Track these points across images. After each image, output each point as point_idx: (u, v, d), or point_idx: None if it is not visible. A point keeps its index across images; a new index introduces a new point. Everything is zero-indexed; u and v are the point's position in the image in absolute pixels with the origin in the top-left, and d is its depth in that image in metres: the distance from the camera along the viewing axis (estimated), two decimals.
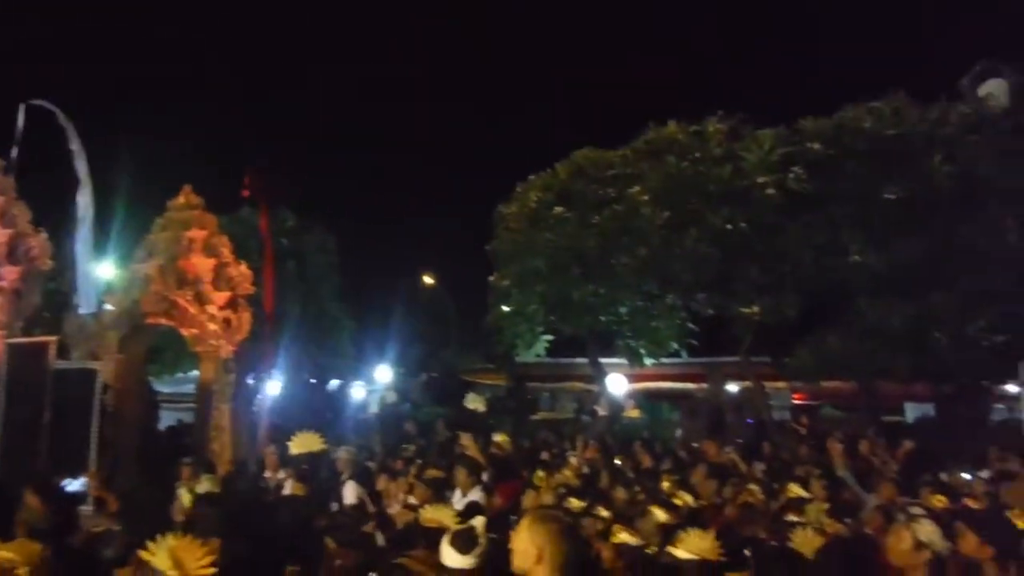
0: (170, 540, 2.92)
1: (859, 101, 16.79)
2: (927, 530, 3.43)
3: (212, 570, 2.91)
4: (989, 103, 17.04)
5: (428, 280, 30.02)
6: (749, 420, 19.80)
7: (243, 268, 13.27)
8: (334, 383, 24.16)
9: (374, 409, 23.16)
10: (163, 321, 12.52)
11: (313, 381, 21.83)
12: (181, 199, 12.84)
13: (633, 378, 22.89)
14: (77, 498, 5.58)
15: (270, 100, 40.30)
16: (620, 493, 7.16)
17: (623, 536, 4.24)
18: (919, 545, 3.40)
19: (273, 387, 17.59)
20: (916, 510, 3.64)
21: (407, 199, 35.62)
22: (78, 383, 10.44)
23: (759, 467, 10.32)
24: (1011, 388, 17.84)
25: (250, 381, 17.27)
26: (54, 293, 14.34)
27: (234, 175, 16.47)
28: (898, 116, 16.22)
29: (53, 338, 10.96)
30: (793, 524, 4.08)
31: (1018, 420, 15.58)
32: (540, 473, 8.44)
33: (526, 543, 2.90)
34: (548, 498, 6.36)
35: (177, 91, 36.85)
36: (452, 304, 29.51)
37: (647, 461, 10.97)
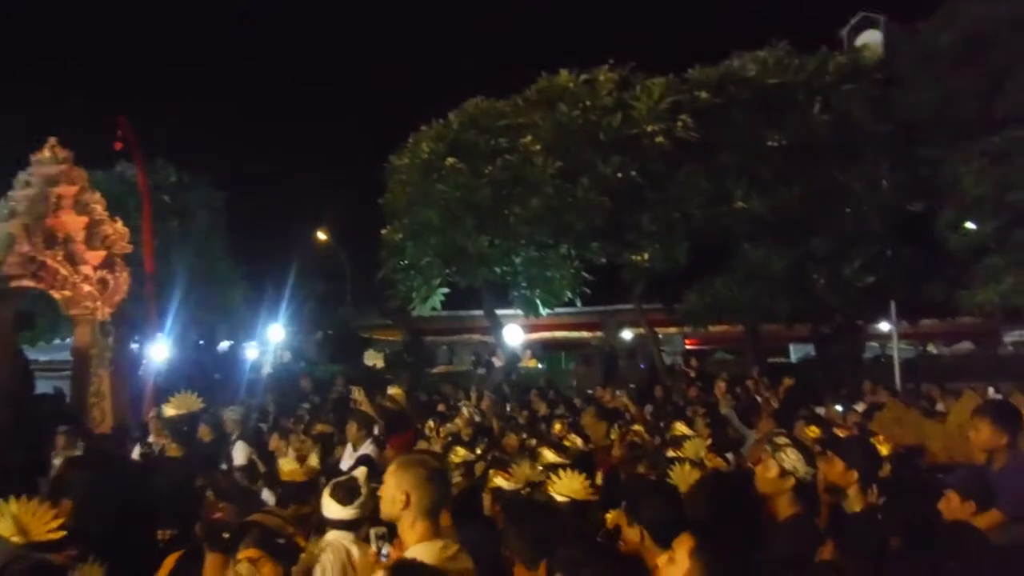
0: (12, 506, 2.77)
1: (745, 50, 17.18)
2: (792, 458, 3.56)
3: (60, 533, 2.76)
4: (865, 54, 17.74)
5: (321, 236, 29.35)
6: (642, 365, 20.38)
7: (119, 226, 12.60)
8: (225, 344, 23.47)
9: (268, 369, 22.68)
10: (31, 284, 11.78)
11: (202, 343, 21.12)
12: (46, 152, 12.00)
13: (529, 328, 23.21)
14: None
15: (149, 47, 38.19)
16: (511, 440, 7.22)
17: (498, 481, 4.26)
18: (784, 473, 3.54)
19: (159, 350, 16.94)
20: (782, 440, 3.74)
21: (298, 152, 34.65)
22: None
23: (649, 409, 10.58)
24: (883, 326, 18.96)
25: (134, 345, 16.61)
26: None
27: (108, 126, 15.52)
28: (780, 66, 16.69)
29: None
30: (674, 461, 4.17)
31: (889, 356, 16.59)
32: (431, 423, 8.43)
33: (393, 489, 2.83)
34: (436, 448, 6.34)
35: (43, 31, 34.41)
36: (346, 260, 29.00)
37: (542, 409, 11.12)
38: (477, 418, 8.89)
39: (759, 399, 11.46)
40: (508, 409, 11.18)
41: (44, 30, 35.63)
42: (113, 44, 36.83)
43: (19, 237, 11.29)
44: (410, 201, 18.04)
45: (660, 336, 21.40)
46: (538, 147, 16.49)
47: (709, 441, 5.85)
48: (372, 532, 3.61)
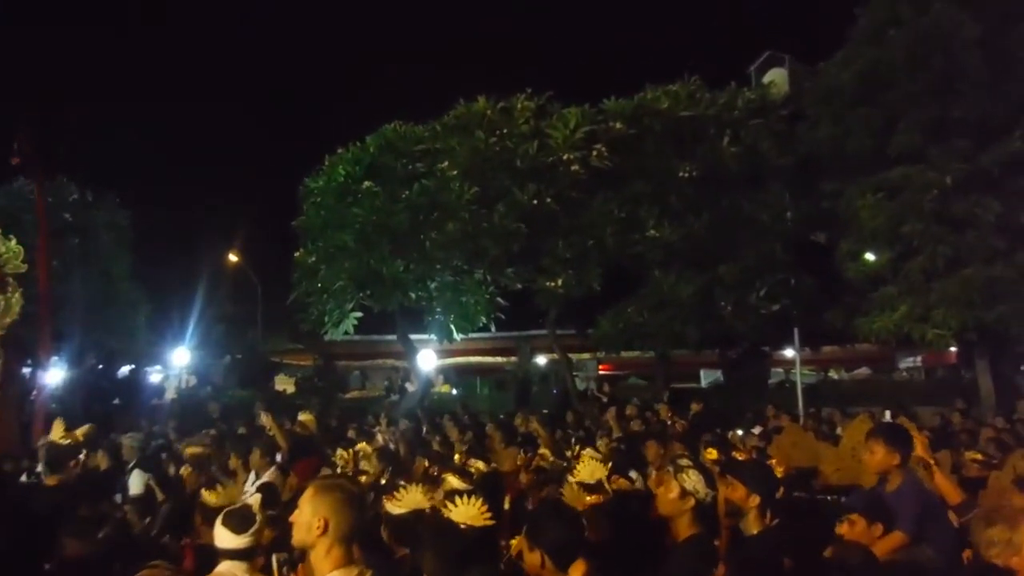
0: None
1: (658, 83, 17.65)
2: (692, 479, 3.62)
3: None
4: (771, 90, 18.48)
5: (232, 257, 28.64)
6: (555, 390, 20.52)
7: (12, 244, 12.06)
8: (126, 368, 22.57)
9: (171, 394, 21.92)
10: None
11: (101, 367, 20.25)
12: None
13: (444, 353, 23.10)
14: None
15: (50, 58, 36.76)
16: (419, 465, 7.15)
17: (388, 506, 4.21)
18: (684, 494, 3.59)
19: (53, 375, 16.17)
20: (685, 461, 3.79)
21: (210, 172, 33.80)
22: None
23: (560, 434, 10.62)
24: (788, 353, 19.60)
25: (25, 369, 15.82)
26: None
27: (5, 140, 14.84)
28: (692, 99, 17.23)
29: None
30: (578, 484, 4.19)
31: (793, 382, 17.13)
32: (341, 452, 8.28)
33: (308, 515, 2.68)
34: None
35: None
36: (257, 282, 28.36)
37: (454, 434, 11.04)
38: (391, 444, 8.77)
39: (668, 423, 11.66)
40: (424, 434, 11.06)
41: None
42: (15, 55, 35.38)
43: None
44: (325, 224, 17.80)
45: (574, 361, 21.61)
46: (455, 173, 16.54)
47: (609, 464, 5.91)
48: (274, 558, 3.49)
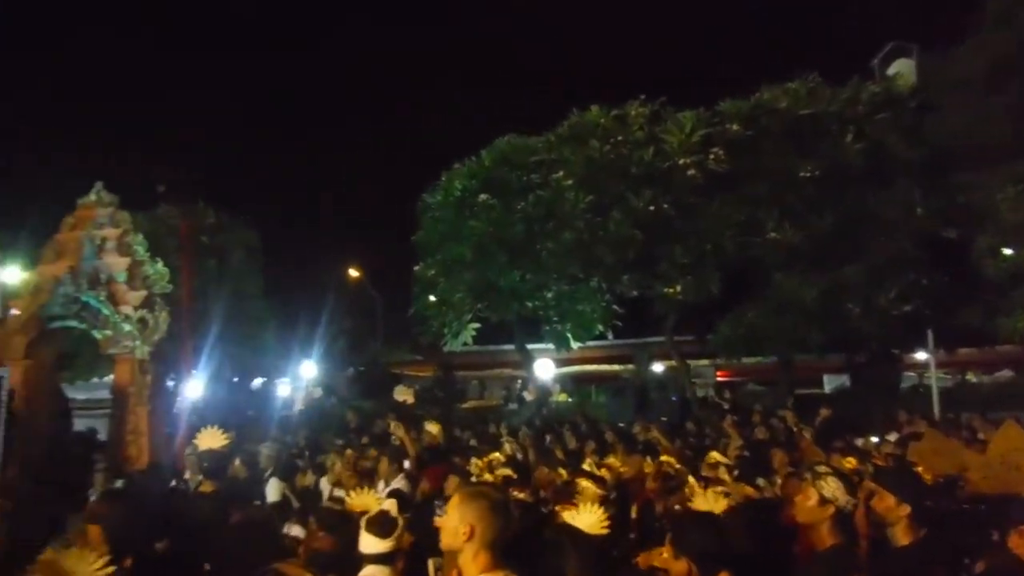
0: (63, 553, 2.80)
1: (775, 82, 17.25)
2: (832, 487, 3.53)
3: (109, 569, 2.79)
4: (898, 82, 17.72)
5: (353, 273, 29.65)
6: (674, 398, 20.20)
7: (159, 266, 12.85)
8: (258, 381, 23.68)
9: (299, 406, 22.83)
10: (74, 324, 12.03)
11: (236, 380, 21.34)
12: (92, 196, 12.33)
13: (560, 362, 23.13)
14: None
15: (190, 95, 39.14)
16: (542, 473, 7.20)
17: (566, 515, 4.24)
18: (823, 501, 3.51)
19: (194, 388, 17.14)
20: (823, 468, 3.70)
21: (331, 193, 35.16)
22: None
23: (681, 443, 10.49)
24: (920, 355, 18.64)
25: (169, 383, 16.82)
26: None
27: (150, 170, 15.97)
28: (812, 96, 16.74)
29: None
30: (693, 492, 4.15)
31: (927, 386, 16.29)
32: (476, 460, 8.40)
33: (456, 520, 2.79)
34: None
35: (89, 82, 35.45)
36: (378, 296, 29.25)
37: (573, 443, 11.08)
38: (519, 454, 8.86)
39: (794, 430, 11.32)
40: (547, 443, 11.14)
41: (92, 81, 36.74)
42: (157, 94, 37.83)
43: (64, 279, 11.56)
44: (443, 237, 18.23)
45: (691, 368, 21.25)
46: (569, 182, 16.64)
47: (736, 471, 5.81)
48: (431, 563, 3.60)
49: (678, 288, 16.40)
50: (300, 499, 8.21)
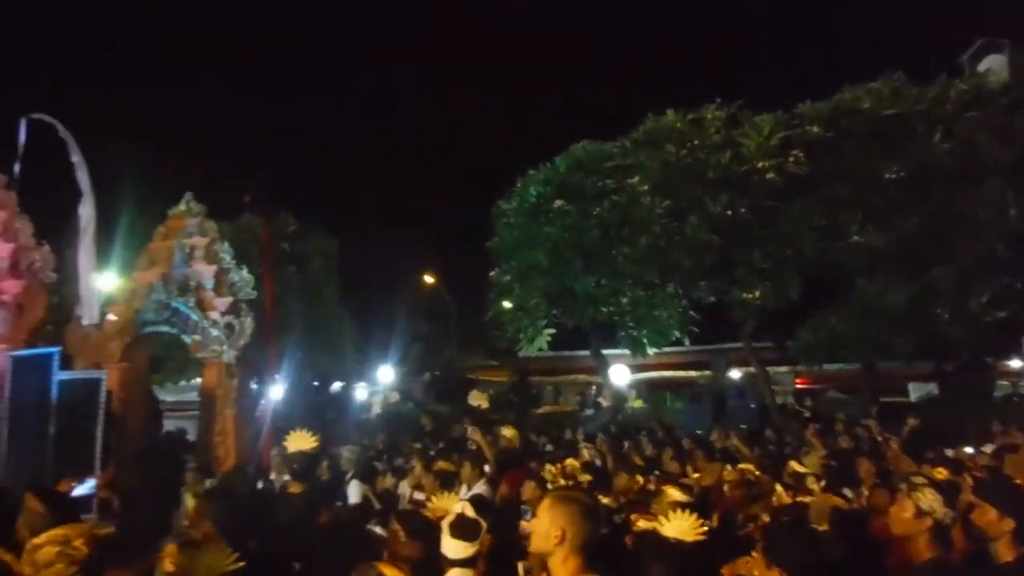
0: (199, 546, 2.93)
1: (857, 82, 16.82)
2: (928, 498, 3.43)
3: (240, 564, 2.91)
4: (989, 79, 17.07)
5: (428, 279, 30.03)
6: (752, 405, 19.84)
7: (244, 273, 13.28)
8: (337, 385, 24.18)
9: (377, 409, 23.20)
10: (165, 329, 12.53)
11: (316, 384, 21.84)
12: (182, 207, 12.84)
13: (636, 368, 22.95)
14: (79, 503, 5.60)
15: (269, 108, 40.29)
16: (622, 480, 7.18)
17: (642, 523, 4.22)
18: (920, 513, 3.41)
19: (276, 391, 17.60)
20: (919, 479, 3.60)
21: (406, 199, 35.65)
22: (82, 392, 10.44)
23: (760, 451, 10.32)
24: (1015, 363, 17.85)
25: (253, 386, 17.33)
26: (58, 305, 14.35)
27: (234, 181, 16.52)
28: (897, 96, 16.26)
29: (56, 349, 10.96)
30: (793, 500, 4.08)
31: (1021, 395, 15.59)
32: (549, 467, 8.43)
33: (547, 524, 2.81)
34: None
35: (176, 99, 36.85)
36: (452, 302, 29.55)
37: (650, 450, 11.00)
38: (598, 460, 8.85)
39: (879, 440, 11.01)
40: (625, 449, 11.10)
41: (176, 96, 38.19)
42: (241, 108, 39.04)
43: (156, 286, 12.04)
44: (518, 243, 18.31)
45: (770, 375, 20.83)
46: (645, 187, 16.53)
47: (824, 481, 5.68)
48: (520, 566, 3.62)
49: (756, 293, 16.10)
50: (381, 501, 8.37)
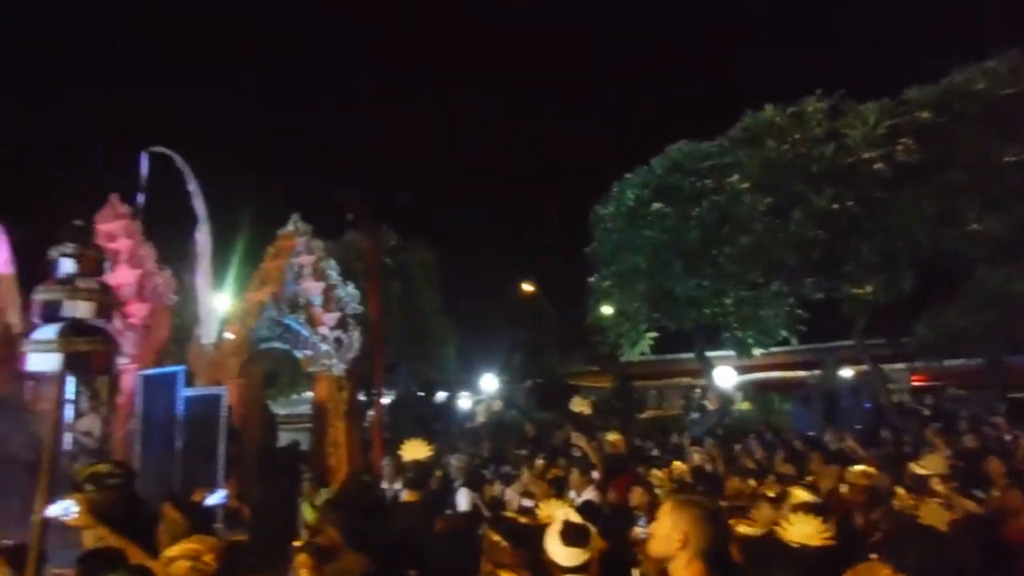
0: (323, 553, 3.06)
1: (968, 63, 16.05)
2: None
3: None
4: None
5: (527, 287, 30.17)
6: (867, 404, 19.12)
7: (350, 289, 13.71)
8: (441, 395, 24.59)
9: (481, 418, 23.44)
10: (278, 345, 13.04)
11: (421, 394, 22.27)
12: (290, 227, 13.37)
13: (742, 369, 22.45)
14: (211, 512, 5.90)
15: (368, 128, 41.41)
16: (734, 484, 7.04)
17: (742, 529, 4.14)
18: None
19: (384, 402, 18.05)
20: None
21: (503, 208, 35.93)
22: (205, 407, 10.99)
23: (877, 452, 9.94)
24: None
25: (361, 397, 17.82)
26: (179, 326, 15.15)
27: (337, 200, 17.02)
28: (1014, 75, 15.42)
29: (180, 367, 11.57)
30: (916, 504, 3.91)
31: None
32: (656, 472, 8.36)
33: (669, 528, 2.79)
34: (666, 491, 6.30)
35: (281, 125, 38.29)
36: (552, 309, 29.58)
37: (760, 452, 10.76)
38: (707, 464, 8.71)
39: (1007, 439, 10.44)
40: (736, 452, 10.88)
41: (280, 121, 39.71)
42: (339, 130, 40.29)
43: (268, 304, 12.56)
44: (616, 248, 18.23)
45: (884, 372, 20.01)
46: (746, 185, 16.22)
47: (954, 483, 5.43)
48: (636, 572, 3.61)
49: (867, 288, 15.53)
50: (490, 508, 8.46)
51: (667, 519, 2.82)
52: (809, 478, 7.12)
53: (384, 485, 9.94)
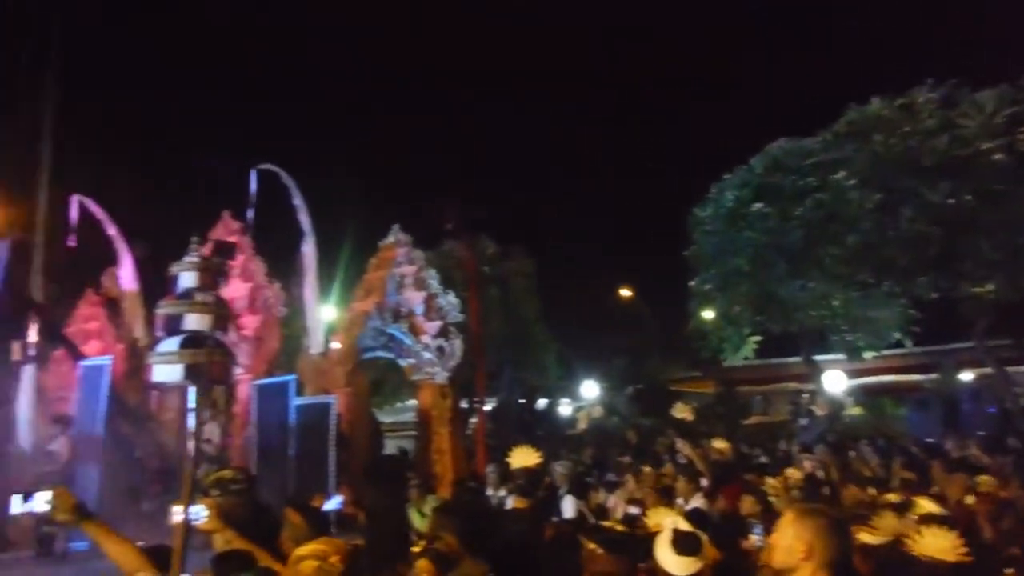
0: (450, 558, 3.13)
1: None
2: None
3: None
4: None
5: (626, 292, 29.93)
6: (990, 409, 18.16)
7: (451, 298, 13.95)
8: (542, 402, 24.65)
9: (582, 425, 23.38)
10: (382, 354, 13.37)
11: (522, 401, 22.40)
12: (391, 238, 13.71)
13: (852, 373, 21.67)
14: (328, 517, 6.10)
15: (463, 139, 41.94)
16: (851, 492, 6.80)
17: (864, 537, 3.99)
18: None
19: (486, 409, 18.23)
20: None
21: (600, 213, 35.74)
22: (316, 415, 11.38)
23: (1004, 460, 9.41)
24: None
25: (463, 405, 18.06)
26: (288, 337, 15.73)
27: (435, 211, 17.39)
28: None
29: (291, 377, 12.02)
30: None
31: None
32: (770, 480, 8.14)
33: (791, 538, 2.72)
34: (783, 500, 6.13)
35: (378, 136, 39.17)
36: (651, 314, 29.25)
37: (875, 460, 10.35)
38: (820, 472, 8.45)
39: None
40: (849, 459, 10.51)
41: (377, 132, 40.74)
42: (437, 140, 41.00)
43: (372, 314, 12.90)
44: (717, 250, 17.84)
45: (1009, 375, 18.95)
46: (852, 182, 15.59)
47: None
48: None
49: (989, 287, 14.73)
50: (595, 516, 8.42)
51: (789, 529, 2.74)
52: (934, 488, 6.81)
53: (489, 492, 10.05)
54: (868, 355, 17.80)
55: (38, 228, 14.05)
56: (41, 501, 3.11)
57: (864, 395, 24.89)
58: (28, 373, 11.04)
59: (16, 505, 3.15)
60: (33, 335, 10.98)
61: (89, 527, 3.28)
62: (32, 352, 11.04)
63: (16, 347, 10.79)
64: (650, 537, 5.22)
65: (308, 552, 2.97)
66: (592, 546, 3.88)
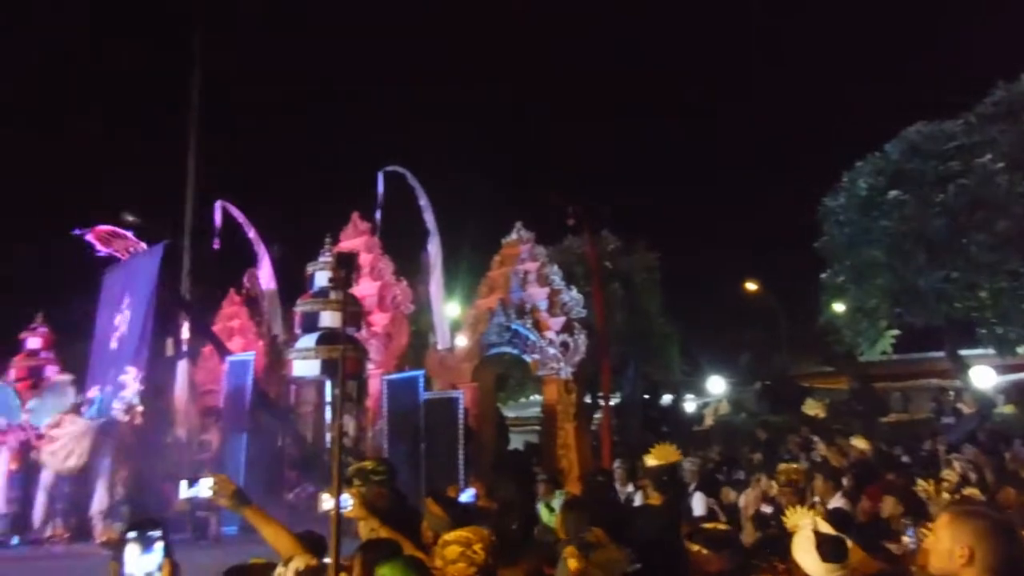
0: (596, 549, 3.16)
1: None
2: None
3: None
4: None
5: (752, 286, 29.10)
6: None
7: (574, 293, 13.94)
8: (667, 398, 24.28)
9: (709, 421, 22.90)
10: (507, 350, 13.51)
11: (646, 397, 22.13)
12: (514, 235, 13.85)
13: (1003, 369, 20.30)
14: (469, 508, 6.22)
15: (587, 135, 41.85)
16: (1008, 495, 6.37)
17: None
18: None
19: (611, 405, 18.11)
20: None
21: (725, 205, 34.99)
22: (444, 409, 11.64)
23: None
24: None
25: (587, 400, 18.00)
26: (415, 333, 16.14)
27: (557, 206, 17.37)
28: None
29: (420, 372, 12.34)
30: None
31: None
32: (921, 482, 7.73)
33: (948, 543, 2.55)
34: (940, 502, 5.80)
35: (499, 134, 39.61)
36: (780, 307, 28.32)
37: None
38: (972, 474, 7.96)
39: None
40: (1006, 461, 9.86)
41: (498, 129, 41.25)
42: (554, 133, 41.13)
43: (497, 310, 13.07)
44: (850, 241, 17.15)
45: None
46: (1000, 165, 14.67)
47: None
48: None
49: None
50: (727, 513, 8.24)
51: (945, 532, 2.58)
52: None
53: (617, 487, 9.99)
54: (1021, 349, 16.64)
55: (185, 232, 15.00)
56: (205, 487, 3.32)
57: (1017, 392, 23.28)
58: (181, 367, 11.80)
59: (183, 490, 3.36)
60: (185, 332, 11.74)
61: (248, 512, 3.46)
62: (184, 348, 11.80)
63: (170, 343, 11.56)
64: (788, 536, 5.07)
65: (453, 538, 3.05)
66: (696, 548, 3.84)
